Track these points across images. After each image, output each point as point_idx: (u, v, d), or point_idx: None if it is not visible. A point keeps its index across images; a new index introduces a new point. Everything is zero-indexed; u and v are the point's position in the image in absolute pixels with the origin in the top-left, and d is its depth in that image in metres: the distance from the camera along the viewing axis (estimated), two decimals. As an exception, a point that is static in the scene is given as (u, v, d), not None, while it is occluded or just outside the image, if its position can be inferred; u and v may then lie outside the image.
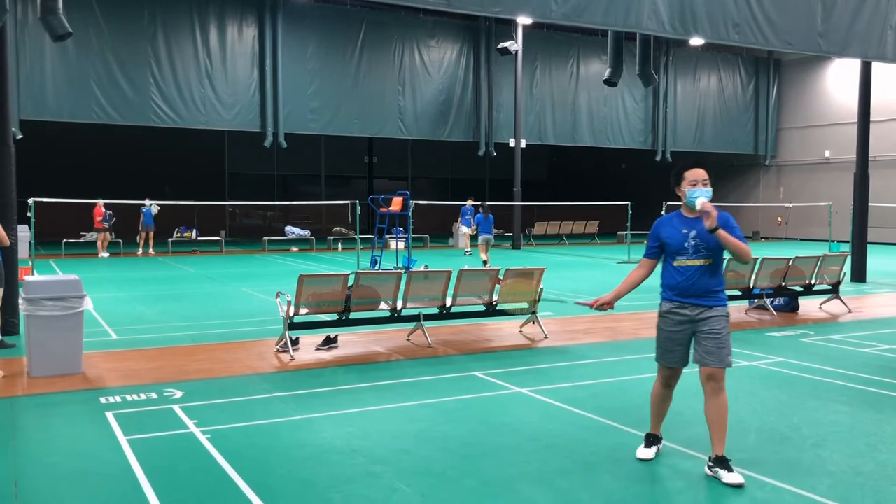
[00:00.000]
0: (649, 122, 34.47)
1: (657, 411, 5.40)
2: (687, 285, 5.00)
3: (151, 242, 25.16)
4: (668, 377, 5.27)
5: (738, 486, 4.80)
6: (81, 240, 25.62)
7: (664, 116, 34.49)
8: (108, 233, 24.18)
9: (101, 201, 23.45)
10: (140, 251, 24.76)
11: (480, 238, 20.58)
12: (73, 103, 24.07)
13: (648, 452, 5.33)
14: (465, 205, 27.02)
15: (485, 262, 19.72)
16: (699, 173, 5.01)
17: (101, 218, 23.57)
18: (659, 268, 5.26)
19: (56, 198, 20.11)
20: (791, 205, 32.92)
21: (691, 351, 5.13)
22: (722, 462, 4.95)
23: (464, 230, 26.18)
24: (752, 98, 36.70)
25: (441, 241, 31.23)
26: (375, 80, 28.81)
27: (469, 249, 25.37)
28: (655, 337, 5.19)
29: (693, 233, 4.99)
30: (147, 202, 24.59)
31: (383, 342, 9.71)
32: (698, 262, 4.98)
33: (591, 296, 5.62)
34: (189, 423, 6.13)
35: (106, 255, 23.54)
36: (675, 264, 5.04)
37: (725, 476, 4.88)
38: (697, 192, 4.98)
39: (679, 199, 5.13)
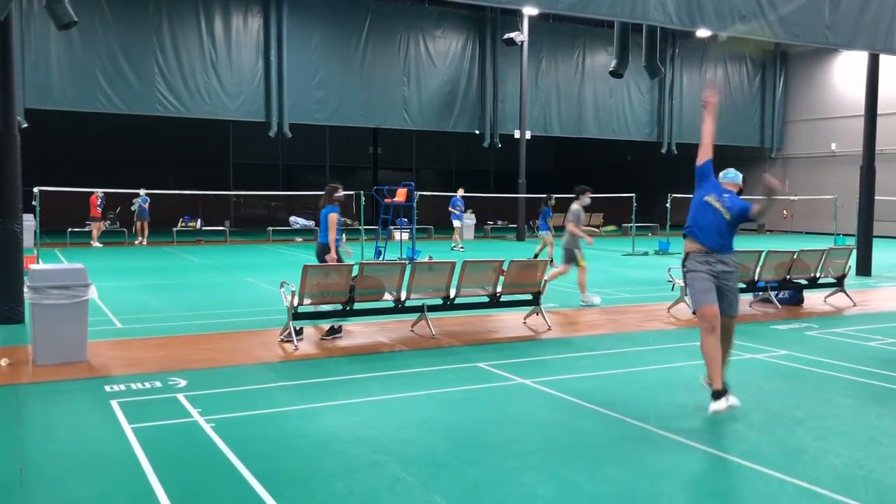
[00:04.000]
0: (655, 114, 34.33)
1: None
2: None
3: (146, 232, 25.12)
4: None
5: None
6: (86, 229, 25.66)
7: (670, 108, 34.33)
8: (101, 222, 24.17)
9: (98, 191, 23.44)
10: (138, 240, 24.80)
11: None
12: (78, 93, 24.02)
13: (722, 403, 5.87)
14: (454, 196, 24.67)
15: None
16: None
17: (97, 204, 23.59)
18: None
19: (61, 187, 20.15)
20: (797, 198, 32.79)
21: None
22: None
23: (457, 224, 24.08)
24: (759, 90, 36.51)
25: (445, 232, 31.15)
26: (380, 71, 28.71)
27: (461, 245, 23.48)
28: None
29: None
30: (141, 192, 24.57)
31: (387, 333, 9.72)
32: None
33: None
34: (193, 412, 6.15)
35: (99, 245, 23.47)
36: None
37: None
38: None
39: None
